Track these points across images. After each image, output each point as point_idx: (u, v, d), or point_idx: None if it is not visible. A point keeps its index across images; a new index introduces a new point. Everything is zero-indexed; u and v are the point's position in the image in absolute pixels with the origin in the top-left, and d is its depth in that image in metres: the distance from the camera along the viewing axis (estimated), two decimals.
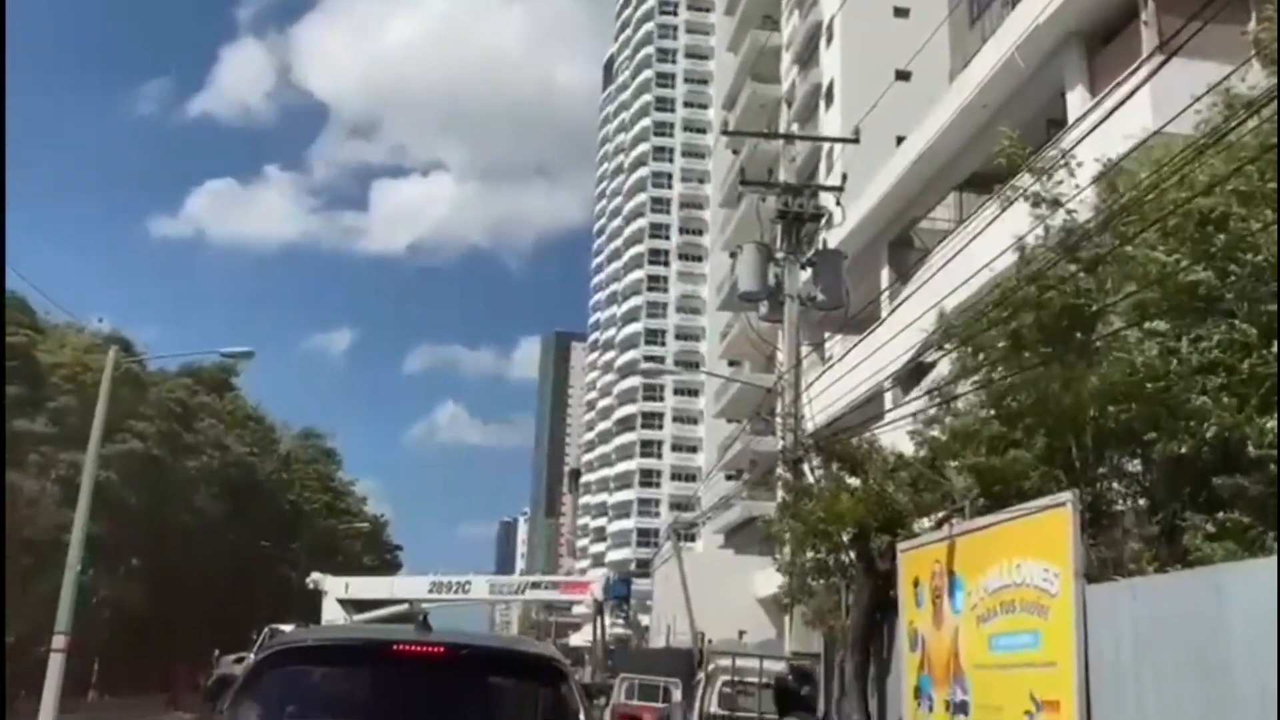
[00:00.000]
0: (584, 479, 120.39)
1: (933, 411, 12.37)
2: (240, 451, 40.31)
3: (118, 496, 26.98)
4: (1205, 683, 7.38)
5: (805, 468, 15.82)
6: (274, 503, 44.62)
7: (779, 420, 17.77)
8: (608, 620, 28.64)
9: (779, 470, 18.02)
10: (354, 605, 26.82)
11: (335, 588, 27.44)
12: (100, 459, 23.54)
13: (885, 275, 24.67)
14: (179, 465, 32.35)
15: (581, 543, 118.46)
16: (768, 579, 27.94)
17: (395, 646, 4.43)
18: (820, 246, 18.12)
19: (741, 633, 29.78)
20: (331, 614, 26.40)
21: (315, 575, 28.06)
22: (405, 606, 27.40)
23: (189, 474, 33.17)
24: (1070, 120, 14.36)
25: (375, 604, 27.29)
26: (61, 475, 25.10)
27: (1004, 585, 10.12)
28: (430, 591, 28.34)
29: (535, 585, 29.08)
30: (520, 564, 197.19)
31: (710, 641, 28.37)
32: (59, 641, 20.80)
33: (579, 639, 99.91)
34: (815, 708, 13.97)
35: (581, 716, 4.44)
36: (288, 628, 25.38)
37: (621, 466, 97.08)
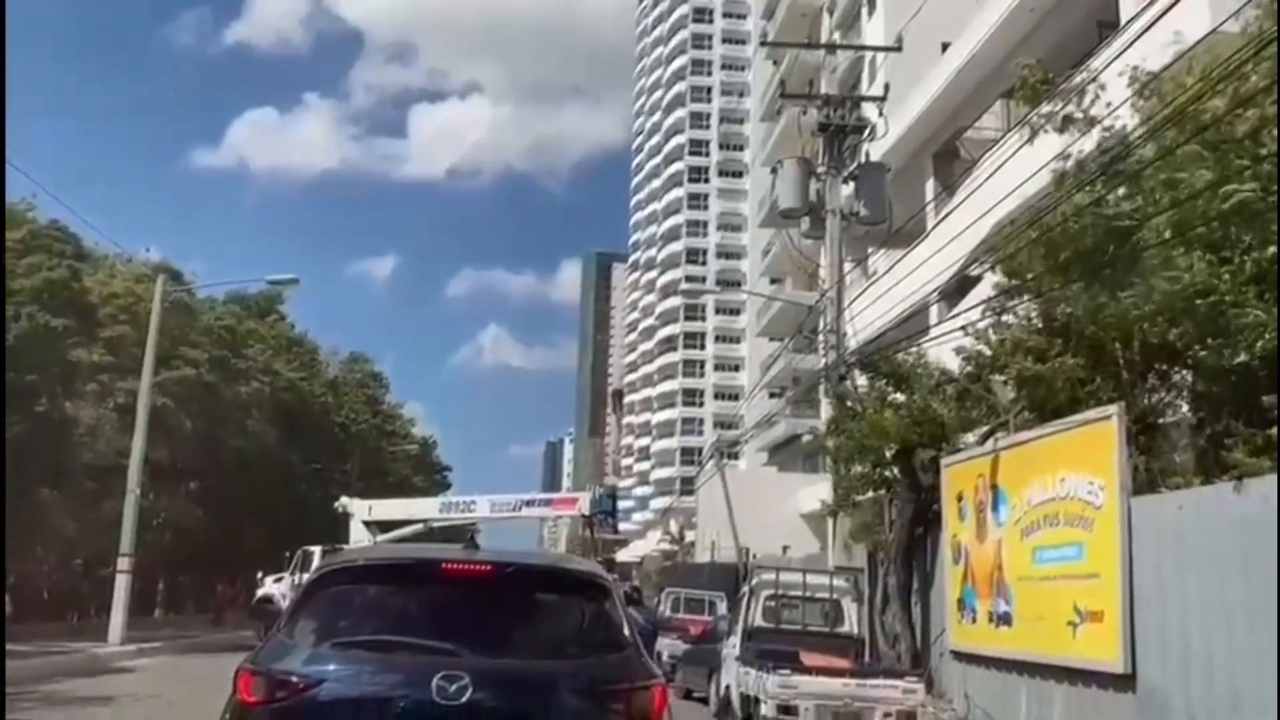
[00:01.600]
0: (627, 399, 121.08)
1: (980, 325, 12.25)
2: (289, 376, 40.97)
3: (173, 422, 27.62)
4: (1249, 593, 7.38)
5: (849, 384, 15.81)
6: (324, 426, 45.46)
7: (822, 337, 17.70)
8: (600, 531, 30.37)
9: (823, 387, 18.01)
10: (378, 527, 28.44)
11: (360, 510, 28.96)
12: (155, 386, 24.10)
13: (930, 188, 24.22)
14: (231, 390, 32.94)
15: (626, 461, 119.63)
16: (811, 495, 28.09)
17: (444, 565, 4.47)
18: (863, 160, 17.80)
19: (785, 548, 30.15)
20: (358, 535, 27.94)
21: (344, 499, 29.70)
22: (421, 526, 29.02)
23: (241, 399, 33.78)
24: (1122, 22, 13.84)
25: (397, 524, 28.81)
26: (119, 403, 25.72)
27: (1048, 498, 10.13)
28: (440, 512, 30.17)
29: (529, 503, 30.19)
30: (566, 482, 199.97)
31: (754, 557, 28.72)
32: (124, 563, 21.59)
33: (626, 554, 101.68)
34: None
35: (625, 630, 4.51)
36: (316, 549, 27.30)
37: (664, 386, 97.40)
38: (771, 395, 47.93)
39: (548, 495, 32.47)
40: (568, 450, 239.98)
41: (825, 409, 19.88)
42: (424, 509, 31.09)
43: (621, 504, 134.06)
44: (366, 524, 28.52)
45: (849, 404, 15.38)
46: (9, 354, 20.61)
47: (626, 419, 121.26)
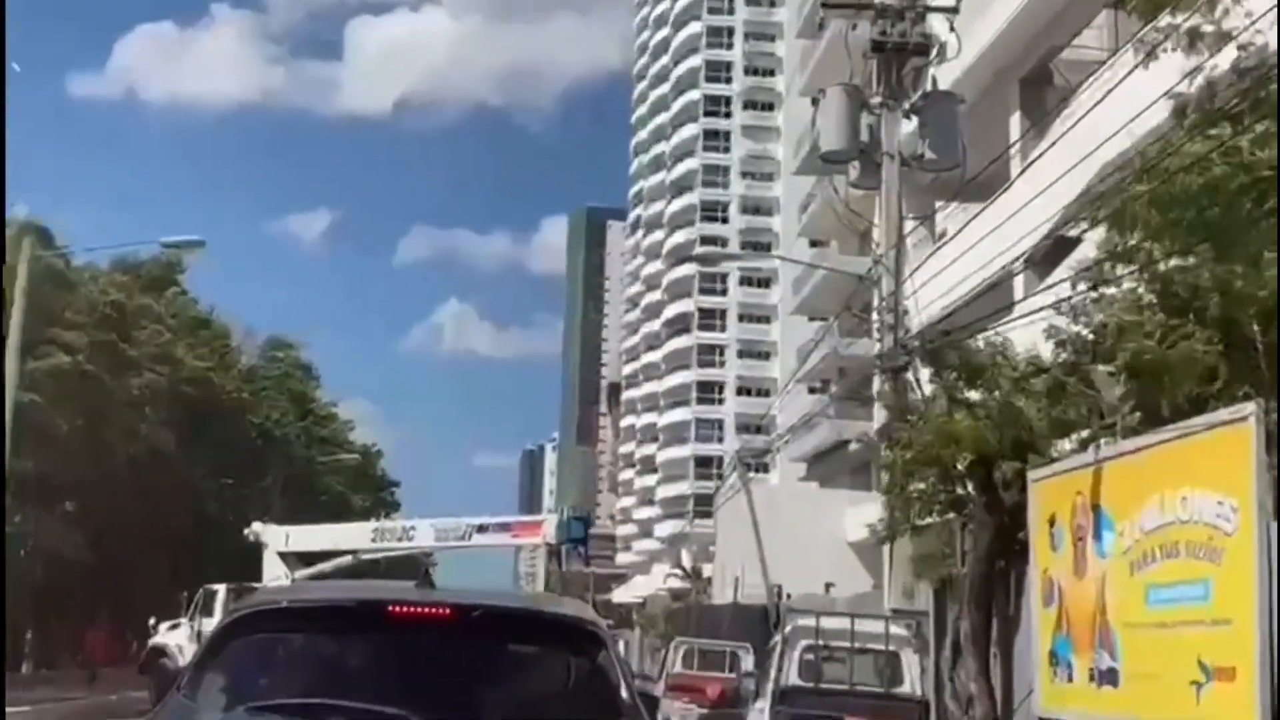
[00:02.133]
0: (626, 395, 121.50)
1: (1079, 300, 12.23)
2: (193, 365, 41.02)
3: (45, 423, 27.70)
4: None
5: (910, 377, 15.81)
6: (237, 429, 45.61)
7: (876, 316, 17.69)
8: (570, 564, 31.67)
9: (876, 381, 17.99)
10: (299, 560, 29.41)
11: (275, 539, 29.88)
12: (21, 377, 24.05)
13: (1015, 124, 24.20)
14: (118, 383, 33.04)
15: (625, 475, 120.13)
16: (861, 518, 28.14)
17: (391, 608, 4.48)
18: (928, 88, 17.75)
19: (829, 586, 30.26)
20: (274, 570, 28.91)
21: (255, 526, 30.60)
22: (351, 559, 30.26)
23: (130, 394, 33.86)
24: None
25: (323, 556, 29.89)
26: None
27: (1165, 523, 10.11)
28: (373, 540, 31.34)
29: (482, 529, 31.39)
30: (548, 501, 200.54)
31: (789, 597, 28.73)
32: None
33: (624, 593, 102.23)
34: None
35: (624, 690, 4.51)
36: (220, 588, 27.87)
37: (674, 379, 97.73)
38: (811, 391, 48.00)
39: (505, 519, 33.33)
40: (550, 460, 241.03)
41: (879, 409, 19.88)
42: (353, 537, 32.09)
43: (621, 529, 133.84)
44: (284, 556, 29.41)
45: (910, 402, 15.39)
46: None
47: (626, 420, 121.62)
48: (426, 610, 4.48)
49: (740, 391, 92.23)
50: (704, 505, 67.14)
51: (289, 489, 47.65)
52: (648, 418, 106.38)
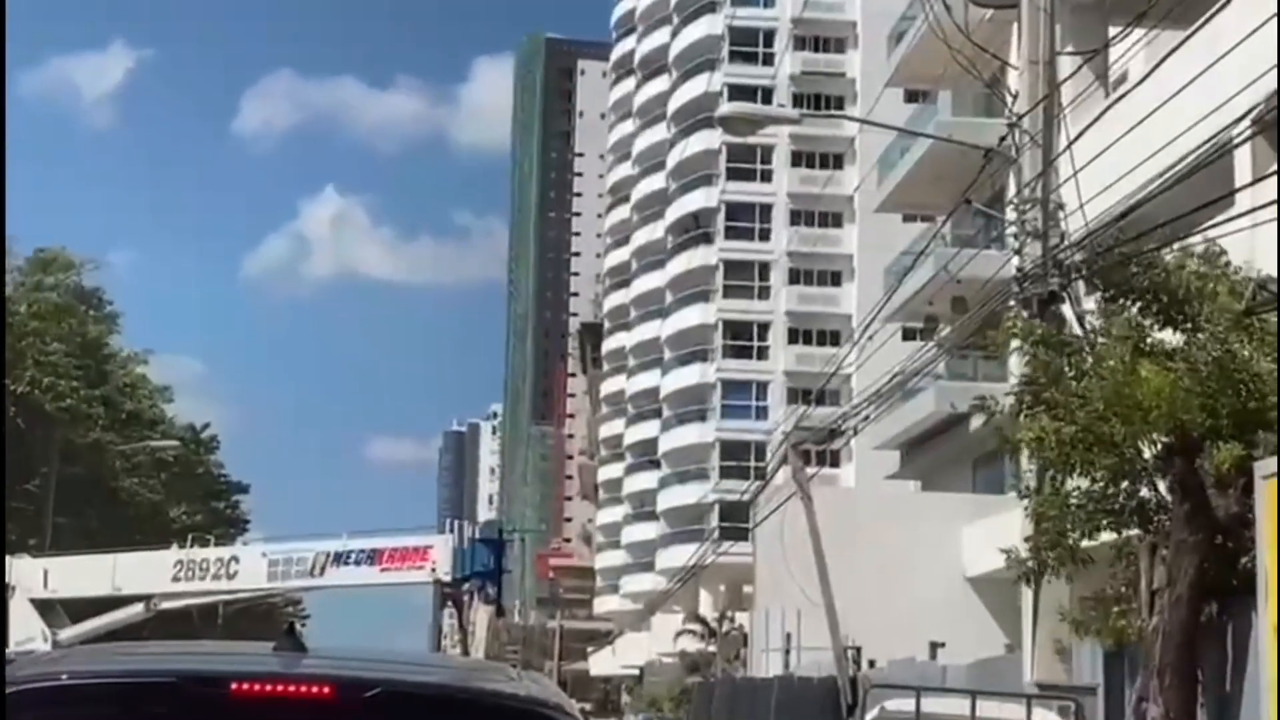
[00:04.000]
0: (609, 344, 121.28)
1: None
2: None
3: None
4: None
5: (1068, 310, 15.79)
6: None
7: (1013, 215, 17.62)
8: (479, 614, 32.76)
9: (1010, 317, 17.88)
10: (64, 610, 30.85)
11: (30, 577, 31.10)
12: None
13: None
14: None
15: (608, 472, 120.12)
16: (990, 537, 28.17)
17: (235, 685, 4.57)
18: None
19: (936, 647, 30.44)
20: (29, 627, 29.85)
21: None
22: (141, 608, 31.58)
23: None
24: None
25: (102, 604, 31.50)
26: None
27: None
28: (175, 577, 32.58)
29: (340, 558, 32.80)
30: (485, 512, 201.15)
31: (871, 665, 28.84)
32: None
33: (608, 661, 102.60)
34: None
35: None
36: None
37: (685, 318, 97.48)
38: (909, 336, 47.85)
39: (370, 543, 34.01)
40: (488, 443, 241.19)
41: (1016, 363, 19.86)
42: (143, 574, 33.07)
43: (604, 559, 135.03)
44: (42, 605, 30.58)
45: (1065, 350, 15.37)
46: None
47: (609, 384, 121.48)
48: (290, 689, 4.57)
49: (793, 338, 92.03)
50: (734, 521, 67.15)
51: (69, 496, 47.64)
52: (644, 380, 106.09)
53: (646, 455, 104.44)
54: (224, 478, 71.74)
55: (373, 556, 33.17)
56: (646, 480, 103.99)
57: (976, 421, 36.93)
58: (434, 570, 31.51)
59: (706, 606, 79.64)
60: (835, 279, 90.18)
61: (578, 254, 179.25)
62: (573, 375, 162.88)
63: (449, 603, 35.12)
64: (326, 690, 4.56)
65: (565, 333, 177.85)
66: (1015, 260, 17.57)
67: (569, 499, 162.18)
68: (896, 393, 36.82)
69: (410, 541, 35.40)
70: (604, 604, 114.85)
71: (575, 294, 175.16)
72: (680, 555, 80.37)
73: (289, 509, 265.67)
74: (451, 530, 34.61)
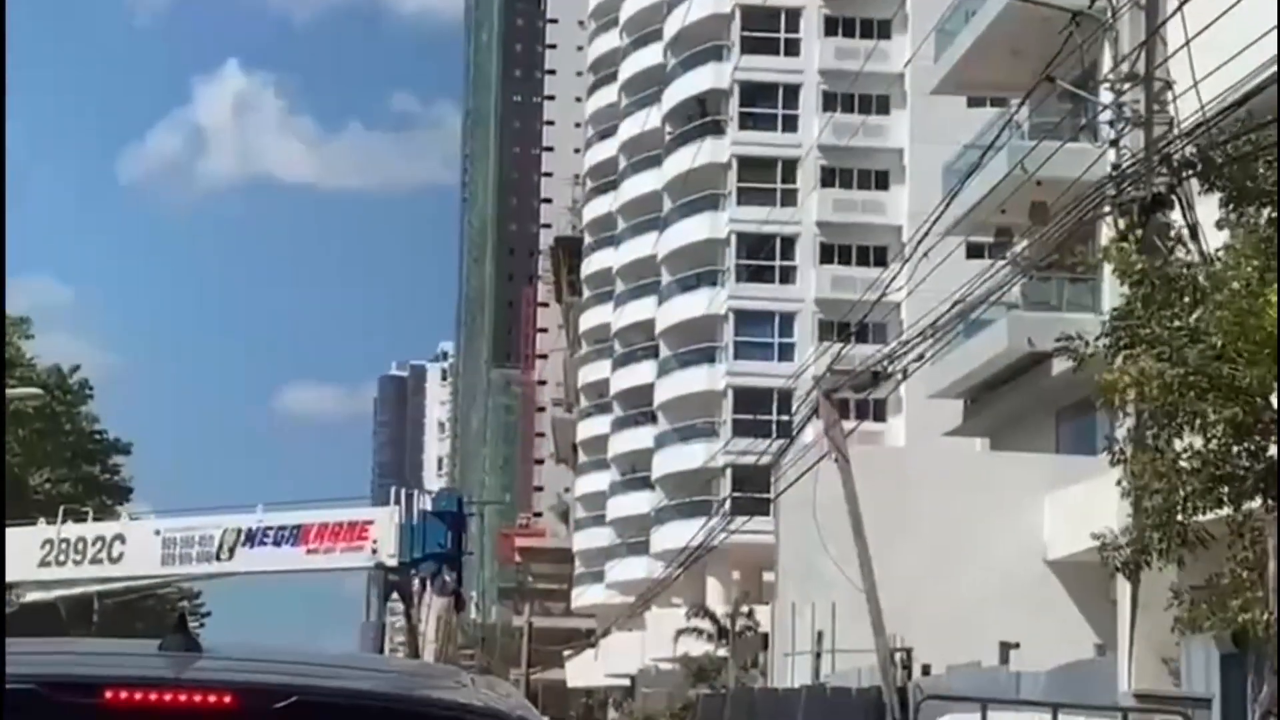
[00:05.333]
0: (590, 264, 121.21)
1: None
2: None
3: None
4: None
5: (1177, 217, 15.78)
6: None
7: (1107, 95, 17.56)
8: (433, 608, 33.12)
9: (1105, 230, 17.82)
10: None
11: None
12: None
13: None
14: None
15: (590, 427, 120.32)
16: (1077, 509, 28.17)
17: (109, 693, 4.58)
18: None
19: (1009, 648, 30.58)
20: None
21: None
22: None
23: None
24: None
25: None
26: None
27: None
28: (44, 559, 33.06)
29: (253, 537, 32.73)
30: (434, 480, 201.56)
31: (925, 671, 28.95)
32: None
33: (590, 669, 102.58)
34: None
35: None
36: None
37: (687, 231, 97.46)
38: (974, 253, 47.85)
39: (295, 517, 33.69)
40: (436, 392, 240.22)
41: (1111, 283, 19.86)
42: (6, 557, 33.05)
43: (585, 538, 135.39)
44: None
45: (1173, 270, 15.35)
46: None
47: (590, 316, 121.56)
48: (180, 698, 4.59)
49: (826, 256, 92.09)
50: (751, 489, 67.24)
51: None
52: (635, 310, 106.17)
53: (638, 406, 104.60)
54: (99, 435, 71.76)
55: (296, 534, 32.89)
56: (638, 438, 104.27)
57: (1061, 364, 36.97)
58: (375, 552, 31.61)
59: (715, 599, 79.95)
60: (881, 180, 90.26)
61: (550, 149, 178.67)
62: (544, 305, 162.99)
63: (394, 593, 35.00)
64: (227, 699, 4.57)
65: (535, 250, 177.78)
66: (1111, 155, 17.54)
67: (540, 462, 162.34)
68: (959, 325, 36.88)
69: (344, 515, 35.06)
70: (585, 596, 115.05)
71: (548, 200, 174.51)
72: (682, 534, 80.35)
73: (182, 475, 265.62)
74: (397, 502, 34.23)
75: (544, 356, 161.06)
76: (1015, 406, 47.89)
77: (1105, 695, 19.00)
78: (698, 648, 70.71)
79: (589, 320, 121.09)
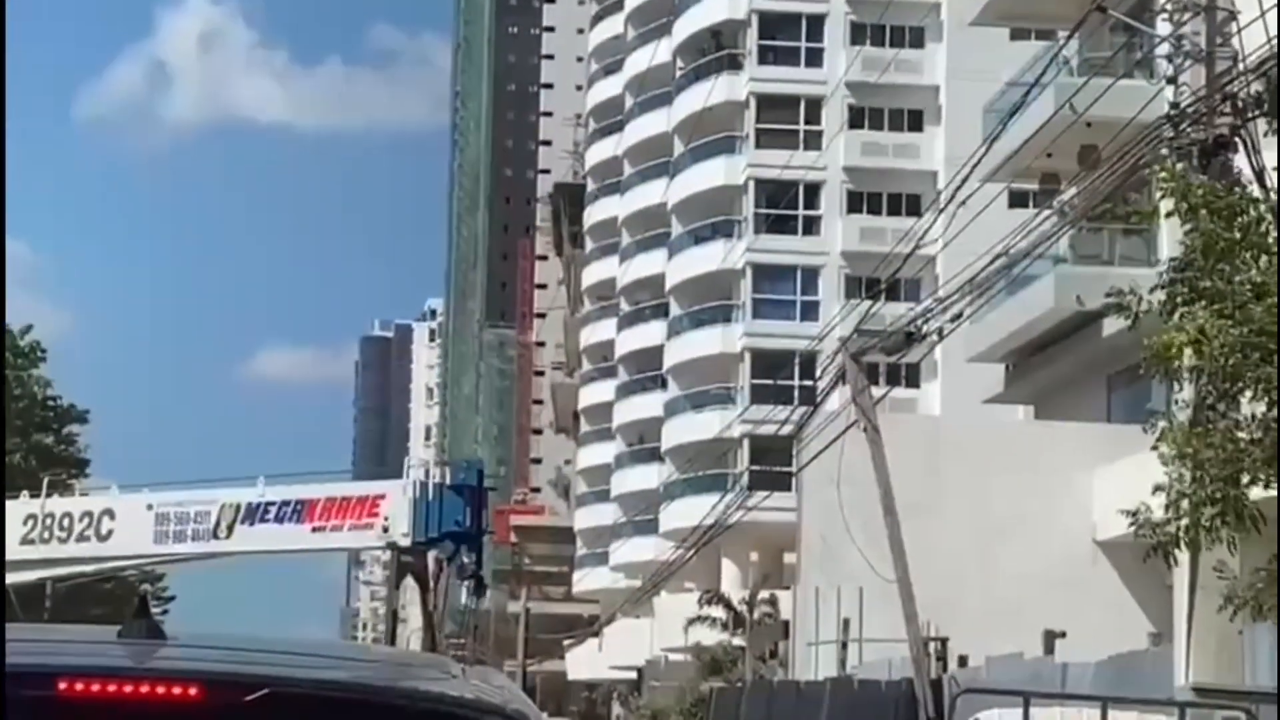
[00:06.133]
0: (593, 213, 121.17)
1: None
2: None
3: None
4: None
5: (1241, 161, 15.79)
6: None
7: (1166, 25, 17.57)
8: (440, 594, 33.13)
9: (1163, 169, 17.81)
10: None
11: None
12: None
13: None
14: None
15: (593, 394, 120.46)
16: (1129, 484, 28.18)
17: (65, 684, 4.58)
18: None
19: (1053, 636, 30.64)
20: None
21: None
22: None
23: None
24: None
25: None
26: None
27: None
28: (27, 539, 32.84)
29: (251, 514, 32.41)
30: (421, 450, 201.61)
31: (961, 663, 28.99)
32: None
33: (593, 662, 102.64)
34: None
35: None
36: None
37: (699, 176, 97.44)
38: (1018, 202, 47.83)
39: (299, 492, 33.51)
40: (424, 354, 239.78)
41: (1169, 238, 19.91)
42: None
43: (588, 516, 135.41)
44: None
45: (1237, 217, 15.34)
46: None
47: (593, 270, 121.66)
48: (141, 689, 4.59)
49: (854, 205, 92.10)
50: (771, 462, 67.31)
51: None
52: (643, 264, 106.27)
53: (647, 370, 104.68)
54: (52, 402, 71.85)
55: (301, 511, 32.58)
56: (647, 405, 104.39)
57: (1113, 323, 37.03)
58: (387, 530, 31.32)
59: (731, 583, 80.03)
60: (914, 121, 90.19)
61: (549, 86, 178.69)
62: (543, 258, 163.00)
63: (395, 575, 35.04)
64: (192, 691, 4.56)
65: (532, 198, 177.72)
66: (1168, 92, 17.53)
67: (538, 432, 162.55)
68: (1000, 282, 36.86)
69: (353, 490, 34.88)
70: (587, 579, 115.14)
71: (546, 143, 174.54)
72: (694, 511, 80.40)
73: (144, 447, 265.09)
74: (406, 476, 33.83)
75: (542, 315, 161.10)
76: (1062, 371, 47.86)
77: (1160, 689, 19.02)
78: (711, 637, 70.68)
79: (592, 275, 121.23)
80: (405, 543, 31.06)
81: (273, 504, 32.24)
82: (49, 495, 34.64)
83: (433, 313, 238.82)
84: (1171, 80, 17.51)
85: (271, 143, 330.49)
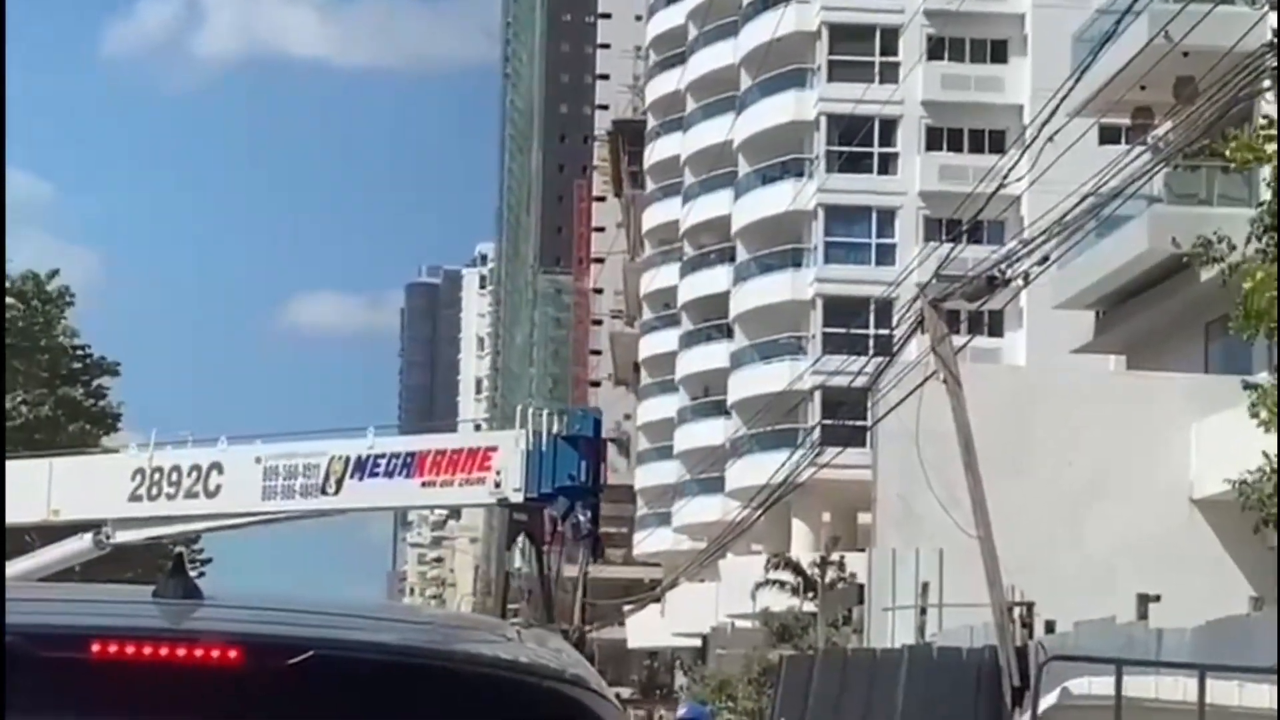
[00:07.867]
0: (653, 153, 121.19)
1: None
2: None
3: None
4: None
5: None
6: None
7: None
8: (555, 559, 33.45)
9: (1266, 104, 17.78)
10: None
11: None
12: None
13: None
14: None
15: (655, 343, 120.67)
16: (1234, 439, 28.13)
17: (98, 646, 4.58)
18: None
19: (1147, 600, 30.63)
20: None
21: None
22: (89, 543, 32.70)
23: None
24: None
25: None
26: None
27: None
28: (135, 496, 32.57)
29: (361, 467, 32.30)
30: (470, 405, 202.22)
31: (1049, 629, 28.98)
32: None
33: (652, 630, 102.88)
34: None
35: None
36: None
37: (767, 111, 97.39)
38: (1109, 138, 47.67)
39: (412, 443, 33.21)
40: (474, 302, 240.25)
41: (1272, 177, 19.87)
42: (88, 492, 33.49)
43: (649, 474, 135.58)
44: None
45: None
46: None
47: (651, 212, 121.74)
48: (178, 651, 4.60)
49: (933, 142, 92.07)
50: (844, 416, 67.31)
51: None
52: (707, 205, 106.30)
53: (712, 319, 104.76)
54: (81, 351, 72.01)
55: (411, 464, 32.38)
56: (712, 356, 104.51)
57: (1210, 269, 36.98)
58: (499, 485, 31.02)
59: (802, 545, 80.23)
60: (997, 52, 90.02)
61: (607, 16, 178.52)
62: (600, 199, 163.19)
63: (509, 538, 35.27)
64: (232, 654, 4.56)
65: (589, 136, 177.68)
66: (1272, 19, 17.51)
67: (595, 384, 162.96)
68: (1090, 223, 36.80)
69: (463, 441, 34.80)
70: (648, 541, 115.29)
71: (604, 77, 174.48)
72: (762, 468, 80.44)
73: (177, 400, 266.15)
74: (522, 425, 33.37)
75: (600, 260, 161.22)
76: (1156, 319, 47.75)
77: (1263, 657, 18.95)
78: (781, 602, 70.88)
79: (653, 218, 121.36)
80: (517, 499, 30.79)
81: (383, 456, 32.02)
82: (156, 447, 34.51)
83: (483, 258, 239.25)
84: (1276, 5, 17.48)
85: (311, 79, 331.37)
